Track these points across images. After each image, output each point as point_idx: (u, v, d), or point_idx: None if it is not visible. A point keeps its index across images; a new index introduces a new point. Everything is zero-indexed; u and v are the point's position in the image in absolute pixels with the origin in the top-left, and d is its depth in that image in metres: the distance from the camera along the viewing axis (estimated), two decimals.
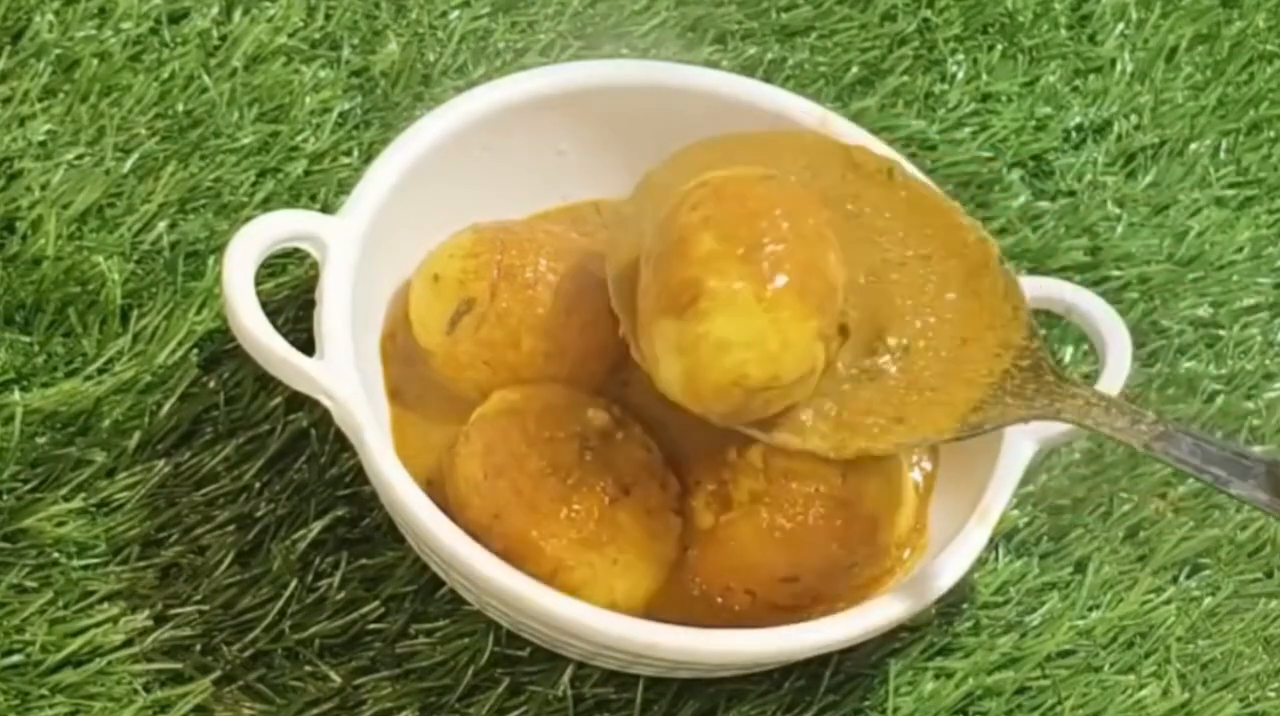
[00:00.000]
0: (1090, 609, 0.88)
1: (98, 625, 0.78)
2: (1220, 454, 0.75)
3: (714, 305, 0.74)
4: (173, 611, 0.79)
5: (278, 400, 0.84)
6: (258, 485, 0.82)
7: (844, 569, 0.80)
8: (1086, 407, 0.77)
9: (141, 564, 0.80)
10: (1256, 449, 0.73)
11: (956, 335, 0.80)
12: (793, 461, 0.80)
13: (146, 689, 0.78)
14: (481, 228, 0.86)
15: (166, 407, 0.83)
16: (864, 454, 0.78)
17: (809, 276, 0.75)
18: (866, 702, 0.83)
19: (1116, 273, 0.97)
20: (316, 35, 0.95)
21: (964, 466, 0.85)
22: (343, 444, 0.82)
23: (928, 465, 0.86)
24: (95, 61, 0.91)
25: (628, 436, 0.80)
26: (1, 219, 0.86)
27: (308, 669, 0.79)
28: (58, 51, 0.91)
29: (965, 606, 0.86)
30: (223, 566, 0.80)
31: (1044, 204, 0.99)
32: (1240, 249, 1.00)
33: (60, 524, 0.80)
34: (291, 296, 0.86)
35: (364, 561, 0.82)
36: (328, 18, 0.95)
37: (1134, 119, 1.03)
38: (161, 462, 0.82)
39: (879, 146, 0.87)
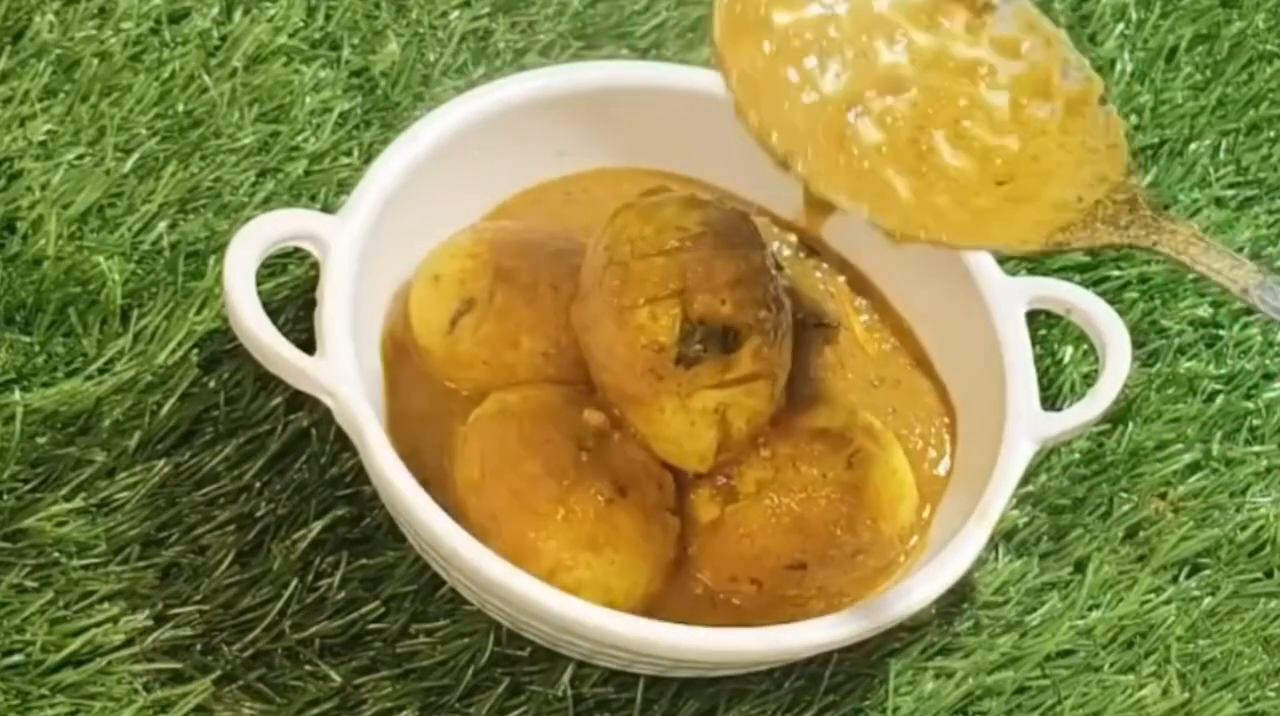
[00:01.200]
0: (1090, 608, 0.87)
1: (98, 625, 0.78)
2: None
3: None
4: (173, 611, 0.79)
5: (278, 400, 0.84)
6: (258, 485, 0.82)
7: (848, 556, 0.81)
8: (1185, 244, 0.75)
9: (142, 564, 0.80)
10: None
11: (1049, 150, 0.78)
12: (799, 449, 0.81)
13: (147, 688, 0.78)
14: (482, 228, 0.86)
15: (167, 407, 0.83)
16: (934, 241, 0.76)
17: None
18: (866, 702, 0.83)
19: (1116, 272, 0.97)
20: (317, 35, 0.95)
21: (964, 465, 0.85)
22: (343, 443, 0.82)
23: (944, 468, 0.86)
24: (96, 61, 0.91)
25: (624, 437, 0.80)
26: (2, 219, 0.86)
27: (308, 668, 0.79)
28: (58, 51, 0.91)
29: (965, 606, 0.86)
30: (223, 566, 0.80)
31: None
32: (1240, 249, 0.99)
33: (61, 523, 0.80)
34: (292, 296, 0.86)
35: (364, 561, 0.82)
36: (328, 18, 0.95)
37: (1134, 119, 1.03)
38: (162, 462, 0.82)
39: None
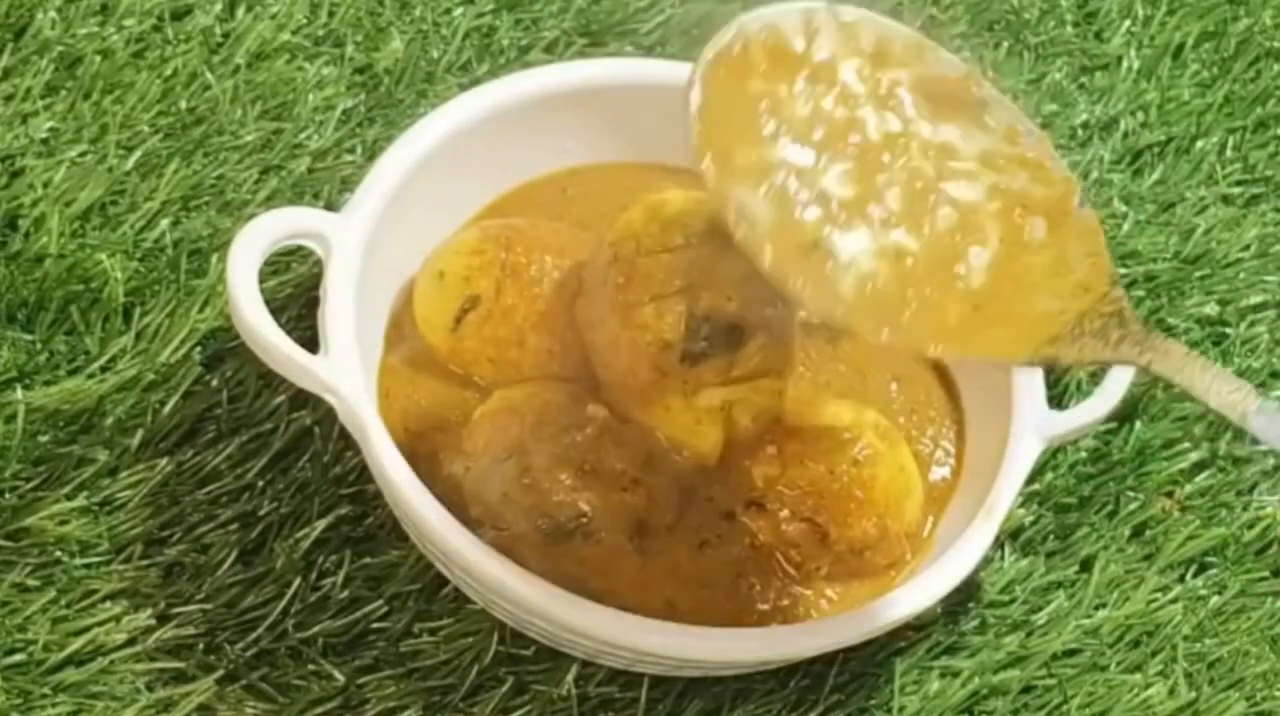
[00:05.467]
0: (1096, 607, 0.87)
1: (100, 624, 0.78)
2: None
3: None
4: (175, 610, 0.79)
5: (281, 398, 0.84)
6: (261, 483, 0.82)
7: (855, 554, 0.81)
8: (1180, 364, 0.71)
9: (144, 562, 0.80)
10: None
11: (1030, 269, 0.75)
12: (806, 446, 0.81)
13: (149, 688, 0.78)
14: (486, 225, 0.85)
15: (169, 406, 0.83)
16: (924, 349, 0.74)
17: None
18: (872, 701, 0.83)
19: (1123, 270, 0.97)
20: (320, 32, 0.94)
21: (970, 464, 0.85)
22: (346, 442, 0.82)
23: (951, 468, 0.86)
24: (98, 59, 0.90)
25: (630, 433, 0.80)
26: (4, 217, 0.86)
27: (311, 668, 0.79)
28: (60, 48, 0.90)
29: (971, 605, 0.86)
30: (226, 565, 0.80)
31: None
32: (1247, 247, 0.99)
33: (63, 522, 0.80)
34: (295, 294, 0.86)
35: (367, 560, 0.81)
36: (331, 14, 0.95)
37: (1140, 116, 1.03)
38: (164, 461, 0.82)
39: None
